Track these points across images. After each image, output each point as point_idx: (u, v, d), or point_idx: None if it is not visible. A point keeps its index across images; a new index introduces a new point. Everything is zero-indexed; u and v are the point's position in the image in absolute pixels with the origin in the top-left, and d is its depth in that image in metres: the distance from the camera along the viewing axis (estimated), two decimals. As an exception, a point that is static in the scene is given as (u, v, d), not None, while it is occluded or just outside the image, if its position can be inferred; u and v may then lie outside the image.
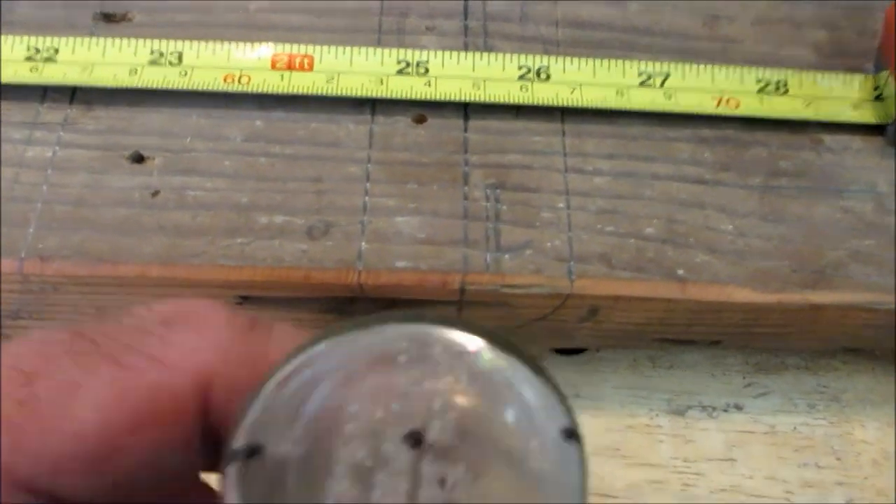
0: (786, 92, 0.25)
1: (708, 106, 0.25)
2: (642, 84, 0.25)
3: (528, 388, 0.12)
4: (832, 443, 0.26)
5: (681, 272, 0.22)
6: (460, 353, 0.13)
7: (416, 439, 0.12)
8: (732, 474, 0.26)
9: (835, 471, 0.26)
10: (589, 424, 0.27)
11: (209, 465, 0.15)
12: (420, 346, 0.13)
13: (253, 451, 0.12)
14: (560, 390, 0.13)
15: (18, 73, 0.24)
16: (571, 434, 0.12)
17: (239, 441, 0.12)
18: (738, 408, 0.28)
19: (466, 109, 0.25)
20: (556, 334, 0.25)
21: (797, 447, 0.27)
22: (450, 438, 0.12)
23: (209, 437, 0.14)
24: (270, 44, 0.25)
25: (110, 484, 0.13)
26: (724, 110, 0.25)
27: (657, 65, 0.25)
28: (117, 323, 0.14)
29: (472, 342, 0.13)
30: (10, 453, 0.13)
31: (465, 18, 0.27)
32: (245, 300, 0.23)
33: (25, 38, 0.25)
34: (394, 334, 0.13)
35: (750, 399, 0.28)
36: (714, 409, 0.28)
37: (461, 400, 0.12)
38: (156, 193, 0.23)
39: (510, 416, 0.12)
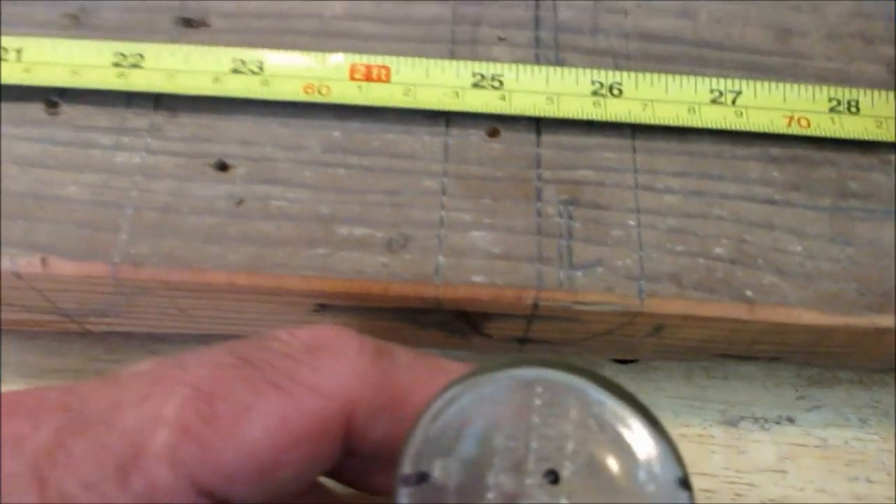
0: (857, 111, 0.25)
1: (779, 125, 0.25)
2: (713, 101, 0.25)
3: (648, 438, 0.13)
4: (883, 458, 0.27)
5: (749, 293, 0.23)
6: (590, 403, 0.14)
7: (554, 476, 0.13)
8: (784, 486, 0.27)
9: (885, 486, 0.27)
10: (643, 429, 0.28)
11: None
12: (554, 391, 0.14)
13: (421, 478, 0.14)
14: (674, 442, 0.14)
15: (106, 78, 0.25)
16: (685, 483, 0.13)
17: (407, 468, 0.14)
18: (791, 420, 0.28)
19: (538, 124, 0.25)
20: (618, 347, 0.25)
21: (848, 461, 0.27)
22: (581, 479, 0.13)
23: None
24: (348, 54, 0.25)
25: (268, 492, 0.16)
26: (795, 130, 0.25)
27: (729, 82, 0.25)
28: (270, 350, 0.17)
29: (601, 394, 0.14)
30: (197, 464, 0.15)
31: (537, 29, 0.27)
32: (323, 308, 0.24)
33: (112, 43, 0.25)
34: (532, 377, 0.14)
35: (802, 412, 0.28)
36: (766, 420, 0.28)
37: (590, 445, 0.14)
38: (240, 202, 0.24)
39: (631, 462, 0.13)
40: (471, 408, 0.14)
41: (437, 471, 0.14)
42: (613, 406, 0.14)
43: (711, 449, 0.28)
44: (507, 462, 0.14)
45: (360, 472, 0.20)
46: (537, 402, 0.14)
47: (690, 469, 0.27)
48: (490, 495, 0.14)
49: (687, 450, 0.27)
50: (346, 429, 0.16)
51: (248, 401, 0.16)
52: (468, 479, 0.14)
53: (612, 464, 0.14)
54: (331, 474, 0.19)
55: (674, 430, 0.27)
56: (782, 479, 0.27)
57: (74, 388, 0.16)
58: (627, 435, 0.14)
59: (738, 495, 0.27)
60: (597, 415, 0.14)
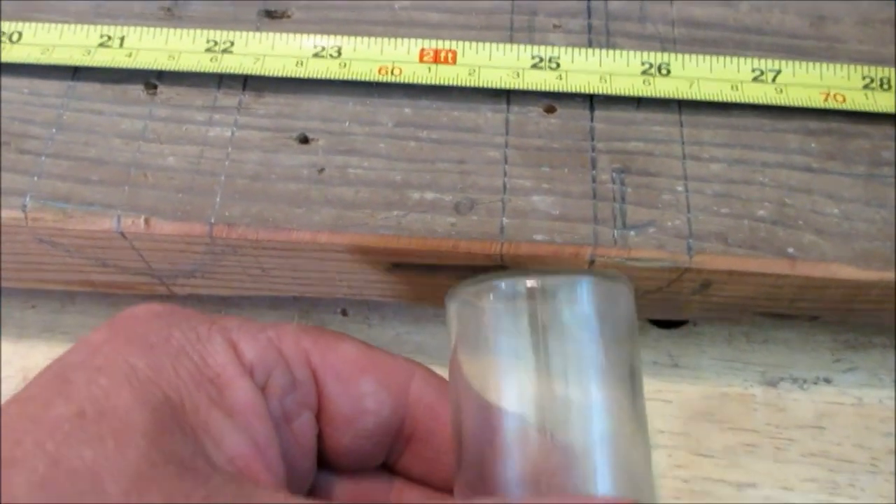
0: (889, 88, 0.27)
1: (816, 100, 0.27)
2: (755, 79, 0.27)
3: None
4: (916, 414, 0.29)
5: (791, 250, 0.25)
6: None
7: None
8: (822, 441, 0.29)
9: (920, 439, 0.28)
10: (687, 391, 0.30)
11: None
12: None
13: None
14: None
15: (201, 62, 0.28)
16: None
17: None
18: (828, 381, 0.30)
19: (592, 101, 0.28)
20: (667, 305, 0.27)
21: (882, 418, 0.29)
22: None
23: None
24: (418, 39, 0.28)
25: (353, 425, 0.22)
26: (831, 104, 0.27)
27: (769, 61, 0.27)
28: None
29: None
30: (312, 345, 0.22)
31: (589, 17, 0.29)
32: (396, 267, 0.26)
33: (205, 31, 0.28)
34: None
35: (839, 373, 0.30)
36: (805, 381, 0.30)
37: None
38: (321, 171, 0.26)
39: None
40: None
41: None
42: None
43: (753, 407, 0.29)
44: None
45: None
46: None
47: (733, 425, 0.29)
48: None
49: (729, 407, 0.29)
50: (408, 395, 0.22)
51: (344, 336, 0.23)
52: None
53: None
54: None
55: (716, 390, 0.30)
56: (820, 435, 0.29)
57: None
58: None
59: (778, 449, 0.29)
60: None
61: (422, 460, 0.23)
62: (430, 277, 0.27)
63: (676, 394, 0.30)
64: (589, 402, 0.21)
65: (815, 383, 0.30)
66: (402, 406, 0.22)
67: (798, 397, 0.30)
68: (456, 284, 0.23)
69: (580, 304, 0.22)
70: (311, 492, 0.23)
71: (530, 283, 0.22)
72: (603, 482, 0.20)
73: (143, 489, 0.15)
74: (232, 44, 0.28)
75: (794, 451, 0.29)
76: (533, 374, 0.21)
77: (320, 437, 0.22)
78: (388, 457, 0.23)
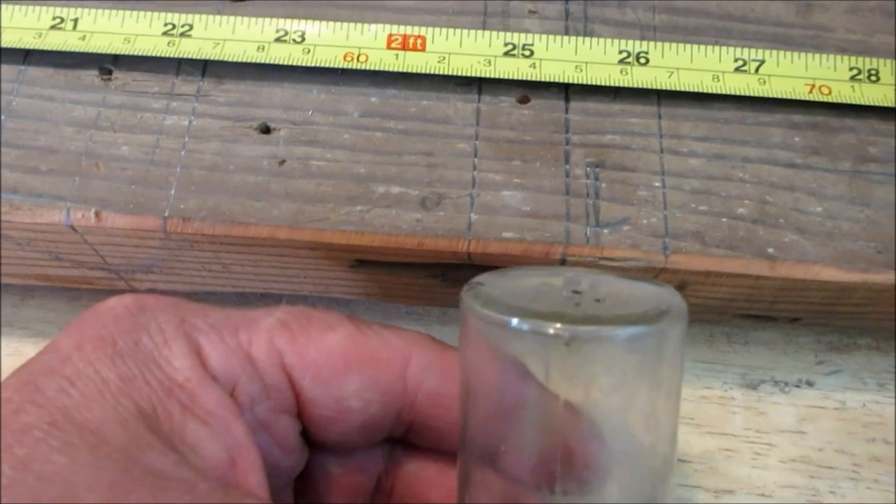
0: (877, 80, 0.26)
1: (801, 92, 0.26)
2: (737, 70, 0.26)
3: None
4: (902, 420, 0.28)
5: (771, 251, 0.24)
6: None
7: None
8: (803, 446, 0.28)
9: (904, 446, 0.27)
10: (665, 392, 0.29)
11: None
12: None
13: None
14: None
15: (157, 46, 0.26)
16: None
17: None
18: (810, 384, 0.29)
19: (567, 91, 0.26)
20: (644, 305, 0.26)
21: (866, 423, 0.28)
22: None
23: None
24: (386, 24, 0.27)
25: (340, 410, 0.20)
26: (816, 97, 0.26)
27: (752, 51, 0.26)
28: None
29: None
30: (287, 344, 0.20)
31: (566, 2, 0.28)
32: (360, 264, 0.25)
33: (162, 14, 0.27)
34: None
35: (821, 376, 0.29)
36: (786, 384, 0.29)
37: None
38: (282, 162, 0.25)
39: None
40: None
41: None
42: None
43: (732, 410, 0.28)
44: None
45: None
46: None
47: (711, 429, 0.28)
48: None
49: (708, 411, 0.28)
50: (404, 385, 0.20)
51: (332, 323, 0.20)
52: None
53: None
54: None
55: (695, 392, 0.29)
56: (801, 440, 0.28)
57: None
58: None
59: (757, 454, 0.28)
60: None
61: (426, 442, 0.22)
62: (396, 275, 0.26)
63: (653, 395, 0.29)
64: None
65: (798, 386, 0.29)
66: (396, 398, 0.20)
67: (779, 401, 0.29)
68: (473, 289, 0.19)
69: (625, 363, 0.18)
70: (305, 470, 0.22)
71: (566, 333, 0.17)
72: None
73: (122, 499, 0.15)
74: (191, 27, 0.27)
75: (773, 457, 0.28)
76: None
77: (306, 431, 0.21)
78: (390, 443, 0.22)
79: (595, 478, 0.18)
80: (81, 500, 0.14)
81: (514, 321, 0.17)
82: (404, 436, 0.22)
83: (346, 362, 0.20)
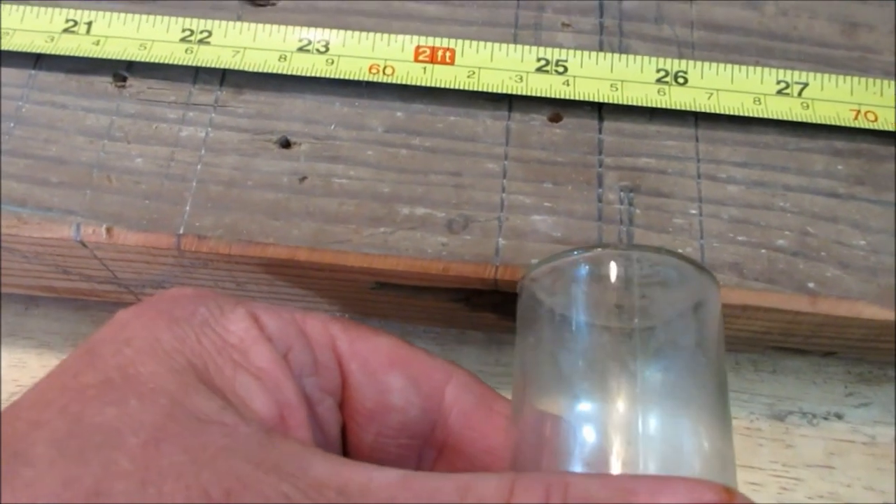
0: (925, 107, 0.25)
1: (846, 118, 0.25)
2: (780, 92, 0.25)
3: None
4: (934, 457, 0.27)
5: (811, 285, 0.23)
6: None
7: None
8: (831, 482, 0.27)
9: (937, 485, 0.26)
10: (690, 420, 0.28)
11: None
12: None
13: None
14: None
15: (175, 53, 0.25)
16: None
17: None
18: (839, 416, 0.28)
19: (601, 110, 0.25)
20: (674, 334, 0.25)
21: (896, 458, 0.27)
22: None
23: None
24: (414, 36, 0.26)
25: (385, 407, 0.21)
26: (861, 123, 0.25)
27: (796, 73, 0.25)
28: None
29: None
30: (340, 331, 0.20)
31: (601, 16, 0.27)
32: (381, 286, 0.24)
33: (180, 19, 0.26)
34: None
35: (851, 409, 0.28)
36: (814, 416, 0.28)
37: None
38: (303, 179, 0.24)
39: None
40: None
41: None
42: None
43: (758, 442, 0.27)
44: None
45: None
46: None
47: (737, 461, 0.27)
48: None
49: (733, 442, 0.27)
50: (443, 398, 0.20)
51: (381, 331, 0.21)
52: None
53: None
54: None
55: (722, 423, 0.28)
56: (829, 475, 0.27)
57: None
58: None
59: (784, 489, 0.27)
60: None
61: (455, 471, 0.21)
62: (418, 298, 0.25)
63: (678, 425, 0.28)
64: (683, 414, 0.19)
65: (826, 418, 0.28)
66: (434, 409, 0.21)
67: (807, 433, 0.28)
68: (528, 269, 0.20)
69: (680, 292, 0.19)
70: None
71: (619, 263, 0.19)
72: None
73: (162, 440, 0.16)
74: (210, 34, 0.26)
75: (800, 492, 0.27)
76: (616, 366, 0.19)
77: (343, 432, 0.21)
78: (420, 465, 0.22)
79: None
80: (126, 442, 0.15)
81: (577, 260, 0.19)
82: (434, 466, 0.21)
83: (392, 361, 0.20)
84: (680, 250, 0.23)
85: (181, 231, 0.23)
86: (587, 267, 0.19)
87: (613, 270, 0.19)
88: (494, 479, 0.15)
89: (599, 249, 0.19)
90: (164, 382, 0.17)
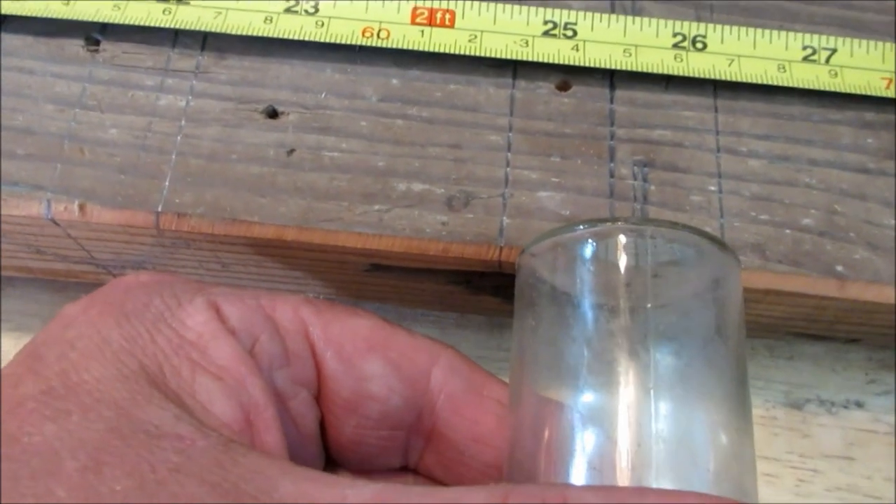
0: (962, 76, 0.23)
1: (877, 87, 0.23)
2: (806, 59, 0.23)
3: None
4: (958, 447, 0.25)
5: (839, 268, 0.21)
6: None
7: None
8: (850, 473, 0.26)
9: (962, 477, 0.25)
10: (701, 407, 0.27)
11: None
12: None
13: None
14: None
15: (151, 14, 0.23)
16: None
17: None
18: (859, 405, 0.27)
19: (613, 78, 0.23)
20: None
21: (920, 449, 0.26)
22: None
23: None
24: (410, -4, 0.24)
25: (360, 396, 0.19)
26: (893, 93, 0.23)
27: (823, 38, 0.23)
28: None
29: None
30: (313, 315, 0.19)
31: (613, -24, 0.25)
32: (375, 268, 0.23)
33: (157, -23, 0.24)
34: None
35: (872, 396, 0.27)
36: (833, 404, 0.27)
37: None
38: (291, 152, 0.22)
39: None
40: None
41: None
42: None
43: (774, 431, 0.26)
44: None
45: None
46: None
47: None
48: None
49: (750, 432, 0.26)
50: (428, 382, 0.19)
51: (359, 311, 0.19)
52: None
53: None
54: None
55: (736, 411, 0.26)
56: (849, 467, 0.26)
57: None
58: None
59: (801, 481, 0.25)
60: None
61: (444, 461, 0.20)
62: (415, 281, 0.23)
63: (689, 413, 0.26)
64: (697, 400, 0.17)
65: (846, 407, 0.26)
66: (418, 395, 0.19)
67: (825, 422, 0.26)
68: (529, 244, 0.19)
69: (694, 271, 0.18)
70: None
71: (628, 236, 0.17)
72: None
73: (104, 463, 0.14)
74: (189, -7, 0.24)
75: (818, 484, 0.25)
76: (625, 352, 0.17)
77: (322, 426, 0.19)
78: (408, 456, 0.20)
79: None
80: (64, 468, 0.14)
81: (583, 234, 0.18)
82: (420, 463, 0.20)
83: (371, 345, 0.19)
84: (697, 230, 0.21)
85: (159, 208, 0.22)
86: (594, 242, 0.18)
87: (623, 246, 0.17)
88: (483, 494, 0.14)
89: (609, 223, 0.18)
90: (111, 391, 0.15)
